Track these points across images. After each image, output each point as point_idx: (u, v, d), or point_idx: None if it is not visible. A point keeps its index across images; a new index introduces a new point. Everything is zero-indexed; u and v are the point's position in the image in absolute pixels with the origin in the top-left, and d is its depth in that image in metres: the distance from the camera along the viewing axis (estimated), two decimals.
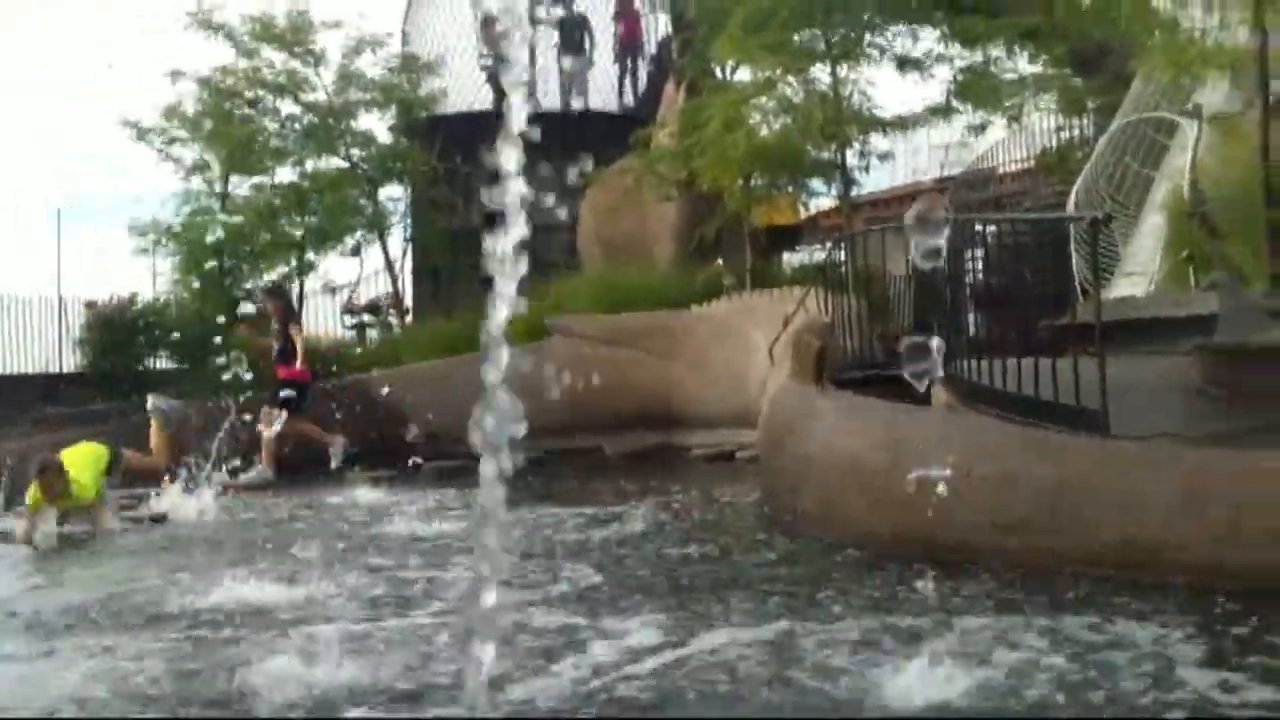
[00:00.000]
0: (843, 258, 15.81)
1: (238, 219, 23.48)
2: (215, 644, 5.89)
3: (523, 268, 2.14)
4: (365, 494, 12.52)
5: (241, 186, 24.50)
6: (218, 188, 24.27)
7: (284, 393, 15.19)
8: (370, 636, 5.91)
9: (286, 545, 8.68)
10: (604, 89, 25.83)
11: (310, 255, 24.46)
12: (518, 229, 2.09)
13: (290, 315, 16.19)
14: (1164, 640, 5.16)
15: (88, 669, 5.43)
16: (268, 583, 7.30)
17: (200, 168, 24.01)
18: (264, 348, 15.97)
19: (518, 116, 2.11)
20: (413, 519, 10.40)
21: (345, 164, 24.06)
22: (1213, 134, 14.46)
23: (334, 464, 14.73)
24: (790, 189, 20.85)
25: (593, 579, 7.38)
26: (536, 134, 2.15)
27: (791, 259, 25.39)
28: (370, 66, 24.12)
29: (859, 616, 5.97)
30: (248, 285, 23.06)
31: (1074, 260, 14.62)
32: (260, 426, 14.77)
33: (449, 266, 24.73)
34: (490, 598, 2.07)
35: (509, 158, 2.11)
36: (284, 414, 14.95)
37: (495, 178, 2.25)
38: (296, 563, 7.96)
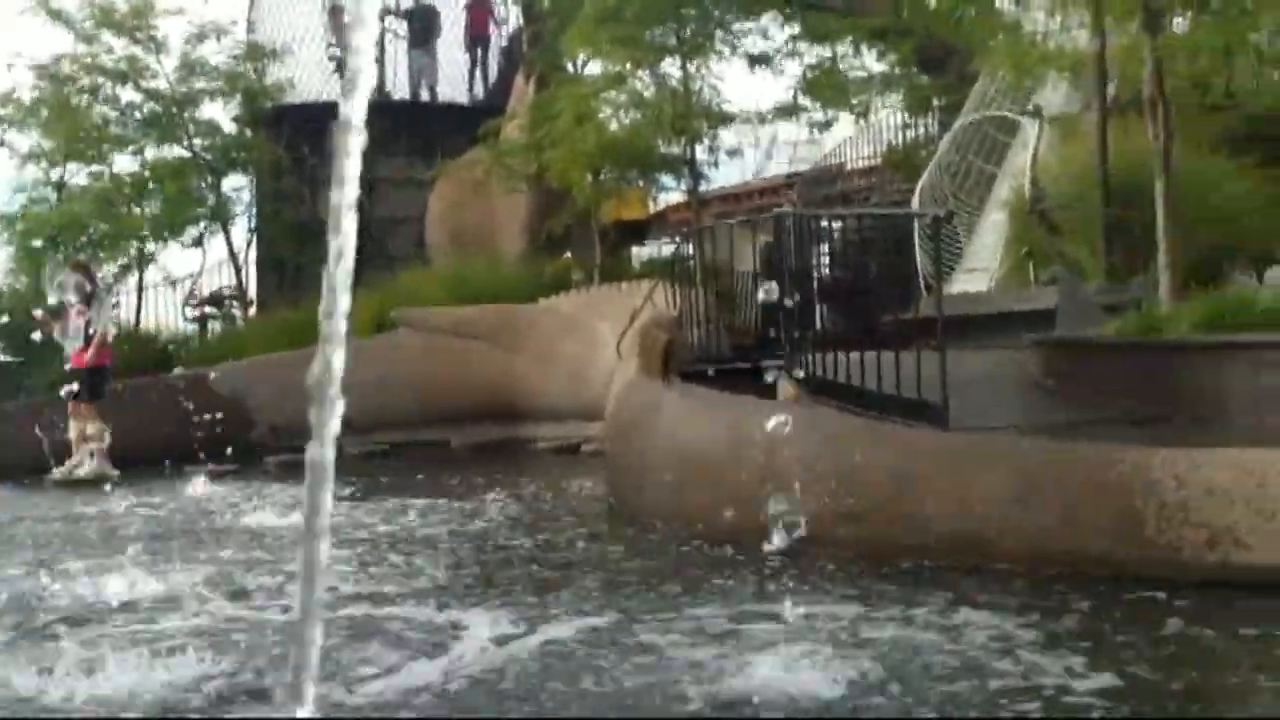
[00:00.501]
0: (691, 252, 15.84)
1: (74, 208, 22.92)
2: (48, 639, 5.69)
3: (350, 263, 2.04)
4: (210, 489, 12.25)
5: (79, 175, 23.92)
6: (54, 176, 23.67)
7: (68, 388, 14.46)
8: (219, 631, 5.76)
9: (132, 540, 8.41)
10: (454, 80, 25.61)
11: (151, 246, 23.93)
12: (350, 221, 1.99)
13: (86, 295, 15.27)
14: (1005, 626, 5.22)
15: None
16: (117, 577, 7.07)
17: (36, 155, 23.38)
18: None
19: (358, 106, 2.00)
20: (262, 512, 10.21)
21: (187, 153, 23.58)
22: (1053, 133, 14.75)
23: (58, 473, 14.17)
24: (640, 183, 20.86)
25: (440, 572, 7.29)
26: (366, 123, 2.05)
27: (640, 253, 25.42)
28: (214, 54, 23.66)
29: (705, 605, 5.96)
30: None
31: (918, 256, 14.81)
32: (77, 424, 14.30)
33: (295, 258, 24.36)
34: (316, 594, 1.97)
35: (347, 150, 2.00)
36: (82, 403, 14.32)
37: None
38: (146, 557, 7.73)
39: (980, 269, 15.94)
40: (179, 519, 10.34)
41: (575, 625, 5.64)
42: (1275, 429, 7.02)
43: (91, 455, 14.16)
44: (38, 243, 22.32)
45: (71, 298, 14.75)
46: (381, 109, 25.02)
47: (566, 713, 4.38)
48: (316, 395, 2.03)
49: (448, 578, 7.11)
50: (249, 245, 24.89)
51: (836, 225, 13.37)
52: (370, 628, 5.75)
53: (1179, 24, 11.93)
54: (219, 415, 14.59)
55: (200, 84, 23.53)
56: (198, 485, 12.25)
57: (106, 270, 23.40)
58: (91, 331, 14.50)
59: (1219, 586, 5.71)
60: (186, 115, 23.47)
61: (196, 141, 23.57)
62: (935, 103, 21.46)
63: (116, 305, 21.83)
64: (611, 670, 4.84)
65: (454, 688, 4.69)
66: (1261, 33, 11.46)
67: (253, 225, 25.03)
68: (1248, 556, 5.78)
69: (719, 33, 18.27)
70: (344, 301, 2.07)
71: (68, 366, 14.66)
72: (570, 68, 20.15)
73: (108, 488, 12.16)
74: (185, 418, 14.61)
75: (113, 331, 14.69)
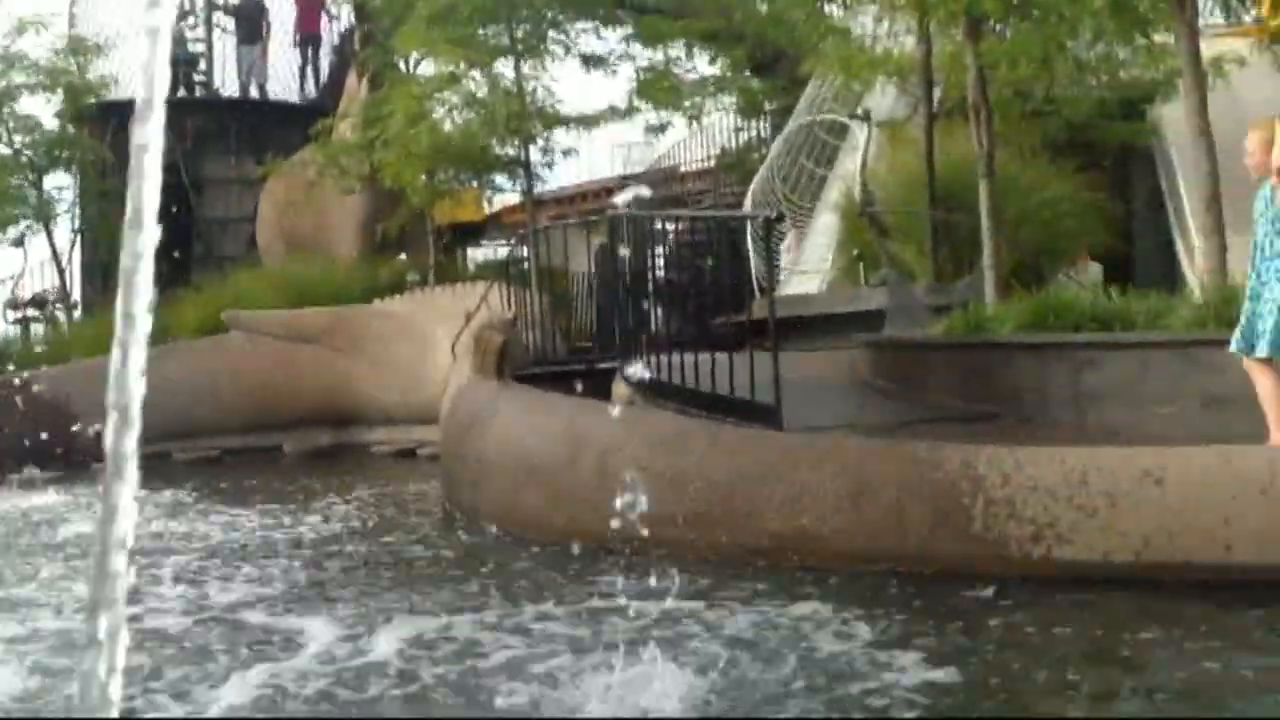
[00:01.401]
0: (526, 253, 15.82)
1: None
2: None
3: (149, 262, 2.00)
4: (37, 496, 11.92)
5: None
6: None
7: None
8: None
9: None
10: (284, 78, 25.23)
11: None
12: (151, 227, 1.95)
13: None
14: (839, 624, 5.30)
15: None
16: None
17: None
18: None
19: (157, 95, 1.96)
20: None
21: (7, 150, 22.92)
22: (881, 137, 14.99)
23: None
24: (474, 184, 20.78)
25: (274, 578, 7.20)
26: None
27: (475, 255, 25.33)
28: (34, 48, 23.01)
29: (541, 606, 5.98)
30: None
31: (751, 258, 14.96)
32: None
33: (119, 259, 23.82)
34: (111, 607, 1.93)
35: (145, 143, 1.96)
36: None
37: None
38: None
39: (812, 271, 16.14)
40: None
41: (415, 629, 5.61)
42: (1096, 427, 7.22)
43: None
44: None
45: None
46: (209, 106, 24.64)
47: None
48: (115, 400, 1.97)
49: (285, 585, 7.01)
50: (73, 246, 24.26)
51: (670, 227, 13.46)
52: (205, 635, 5.66)
53: (1003, 30, 12.22)
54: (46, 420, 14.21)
55: (19, 78, 22.86)
56: (29, 493, 11.93)
57: None
58: None
59: (1042, 581, 5.87)
60: (5, 110, 22.79)
61: (17, 138, 22.91)
62: (767, 106, 21.69)
63: None
64: (457, 675, 4.83)
65: (292, 695, 4.64)
66: (1079, 40, 11.78)
67: (76, 225, 24.40)
68: (1070, 551, 5.95)
69: (552, 33, 18.27)
70: (144, 299, 2.02)
71: None
72: (403, 67, 19.96)
73: None
74: (10, 422, 14.23)
75: None
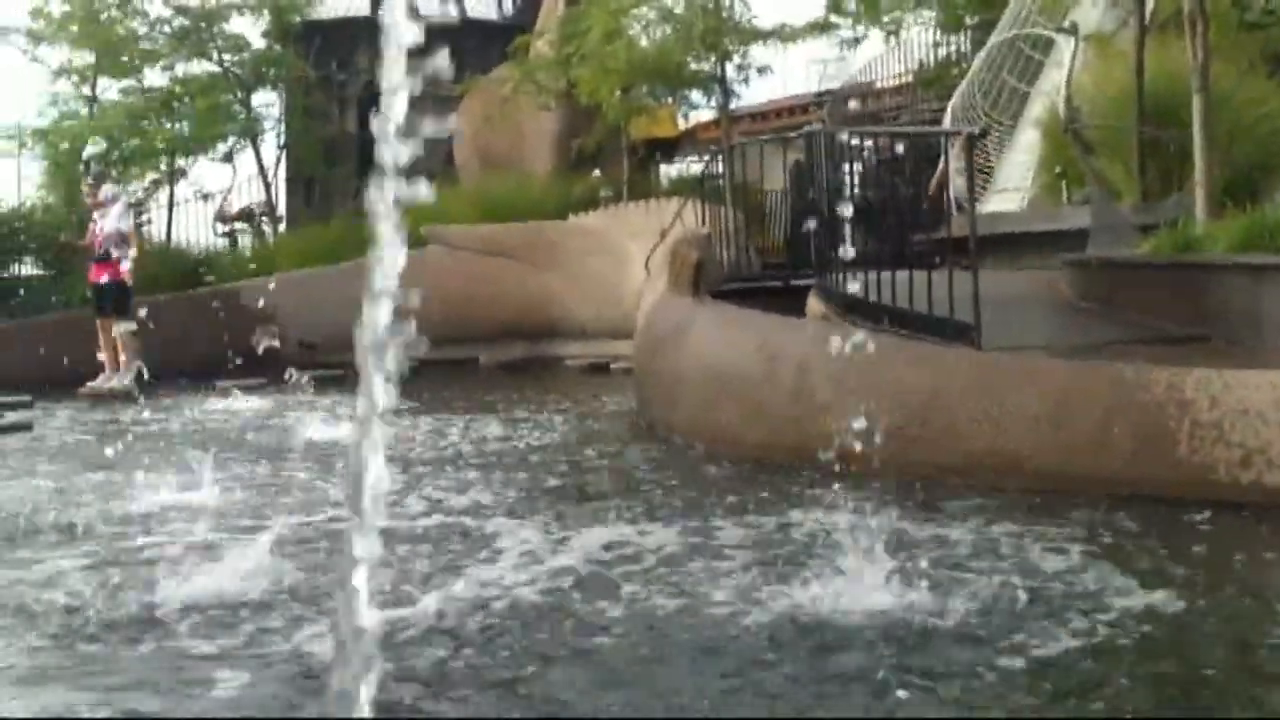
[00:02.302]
0: (720, 170, 15.78)
1: (105, 123, 22.92)
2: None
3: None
4: (244, 402, 12.28)
5: (110, 90, 23.89)
6: (85, 90, 23.64)
7: (110, 299, 14.38)
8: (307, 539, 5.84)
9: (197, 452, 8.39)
10: None
11: (181, 161, 23.95)
12: (402, 146, 1.98)
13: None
14: (1051, 543, 5.24)
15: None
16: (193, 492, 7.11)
17: (67, 70, 23.36)
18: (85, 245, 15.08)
19: (399, 26, 1.99)
20: (314, 425, 10.23)
21: (217, 68, 23.52)
22: (1089, 51, 14.57)
23: (112, 383, 14.12)
24: (669, 100, 20.75)
25: (480, 486, 7.33)
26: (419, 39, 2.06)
27: (669, 171, 25.33)
28: None
29: (744, 519, 6.01)
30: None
31: (950, 175, 14.71)
32: (113, 335, 14.29)
33: (324, 175, 24.36)
34: (371, 516, 1.98)
35: (392, 69, 1.99)
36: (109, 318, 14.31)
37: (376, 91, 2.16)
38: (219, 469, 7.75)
39: (1012, 189, 15.82)
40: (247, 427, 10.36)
41: (614, 536, 5.69)
42: None
43: (119, 370, 14.22)
44: (77, 166, 22.30)
45: (96, 213, 14.74)
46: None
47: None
48: (370, 304, 2.01)
49: (498, 493, 7.12)
50: (278, 161, 24.89)
51: (868, 144, 13.30)
52: (429, 539, 5.81)
53: None
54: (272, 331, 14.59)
55: None
56: (237, 399, 12.29)
57: (136, 185, 23.45)
58: (108, 245, 14.40)
59: (1250, 507, 5.71)
60: (215, 30, 23.36)
61: (226, 57, 23.49)
62: (968, 20, 21.24)
63: (144, 221, 21.88)
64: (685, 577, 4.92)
65: (520, 592, 4.73)
66: None
67: (282, 142, 25.00)
68: None
69: None
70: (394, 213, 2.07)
71: (92, 281, 14.66)
72: None
73: (139, 401, 12.20)
74: (217, 333, 14.66)
75: (132, 251, 14.53)
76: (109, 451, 8.69)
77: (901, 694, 3.54)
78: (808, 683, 3.71)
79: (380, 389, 1.98)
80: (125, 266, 14.28)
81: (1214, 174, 9.88)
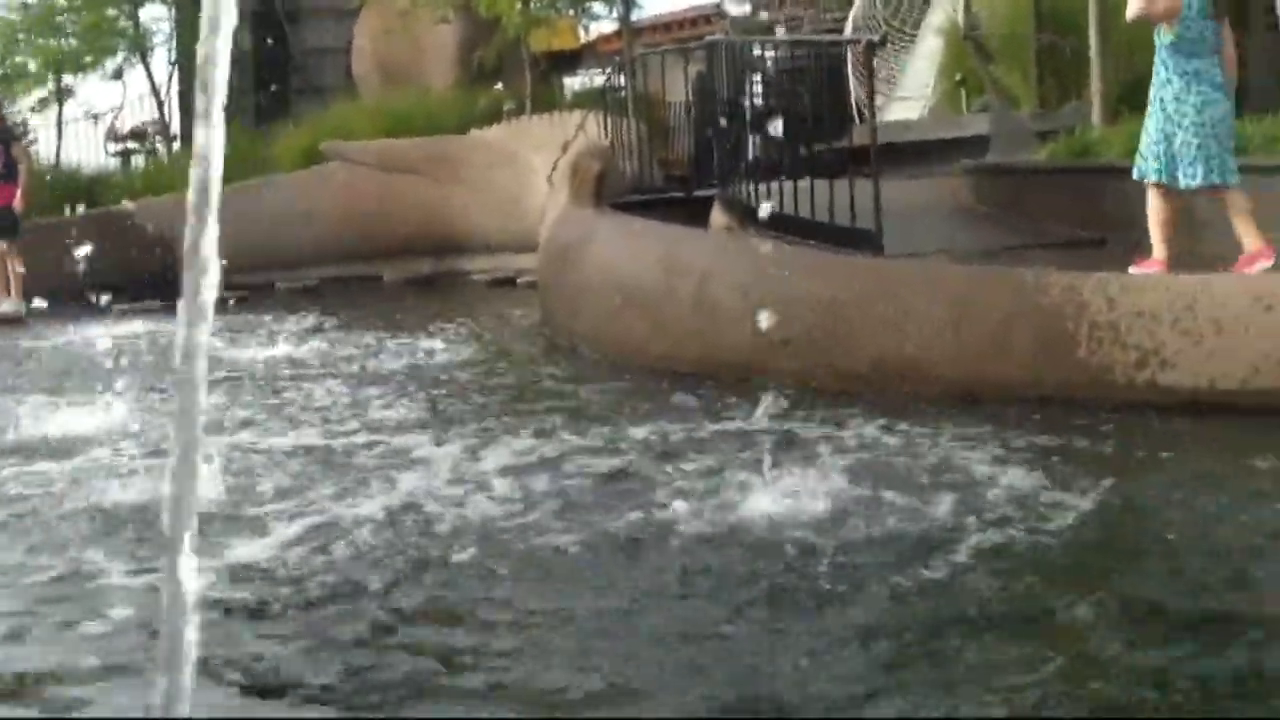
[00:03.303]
0: (622, 82, 15.68)
1: None
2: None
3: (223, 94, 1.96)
4: (145, 325, 12.04)
5: None
6: None
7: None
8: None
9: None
10: None
11: (68, 79, 23.36)
12: (225, 48, 1.90)
13: (6, 130, 14.88)
14: (958, 445, 5.33)
15: None
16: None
17: None
18: None
19: None
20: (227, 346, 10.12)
21: None
22: None
23: (3, 308, 13.72)
24: (570, 12, 20.54)
25: (391, 403, 7.33)
26: None
27: (572, 84, 25.11)
28: None
29: (666, 425, 6.07)
30: None
31: (850, 84, 14.72)
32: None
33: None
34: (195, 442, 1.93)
35: None
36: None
37: None
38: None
39: (913, 97, 15.86)
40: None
41: (521, 447, 5.70)
42: (1208, 253, 7.08)
43: (6, 294, 13.90)
44: None
45: None
46: None
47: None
48: (189, 239, 1.94)
49: (407, 411, 7.09)
50: (170, 78, 24.33)
51: (769, 54, 13.26)
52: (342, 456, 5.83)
53: None
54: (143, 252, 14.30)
55: None
56: (136, 323, 12.03)
57: (20, 105, 22.89)
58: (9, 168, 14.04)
59: (1146, 407, 5.81)
60: None
61: None
62: None
63: (33, 140, 21.38)
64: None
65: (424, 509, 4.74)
66: None
67: (173, 58, 24.44)
68: (1175, 377, 5.87)
69: None
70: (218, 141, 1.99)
71: None
72: None
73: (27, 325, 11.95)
74: (111, 256, 14.31)
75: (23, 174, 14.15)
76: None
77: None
78: (721, 576, 3.79)
79: (198, 318, 1.91)
80: (16, 190, 13.95)
81: (1110, 81, 9.97)
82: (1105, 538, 4.21)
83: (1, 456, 6.11)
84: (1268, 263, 6.47)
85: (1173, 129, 6.81)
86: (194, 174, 1.94)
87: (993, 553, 3.94)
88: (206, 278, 1.90)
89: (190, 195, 1.94)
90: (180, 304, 1.94)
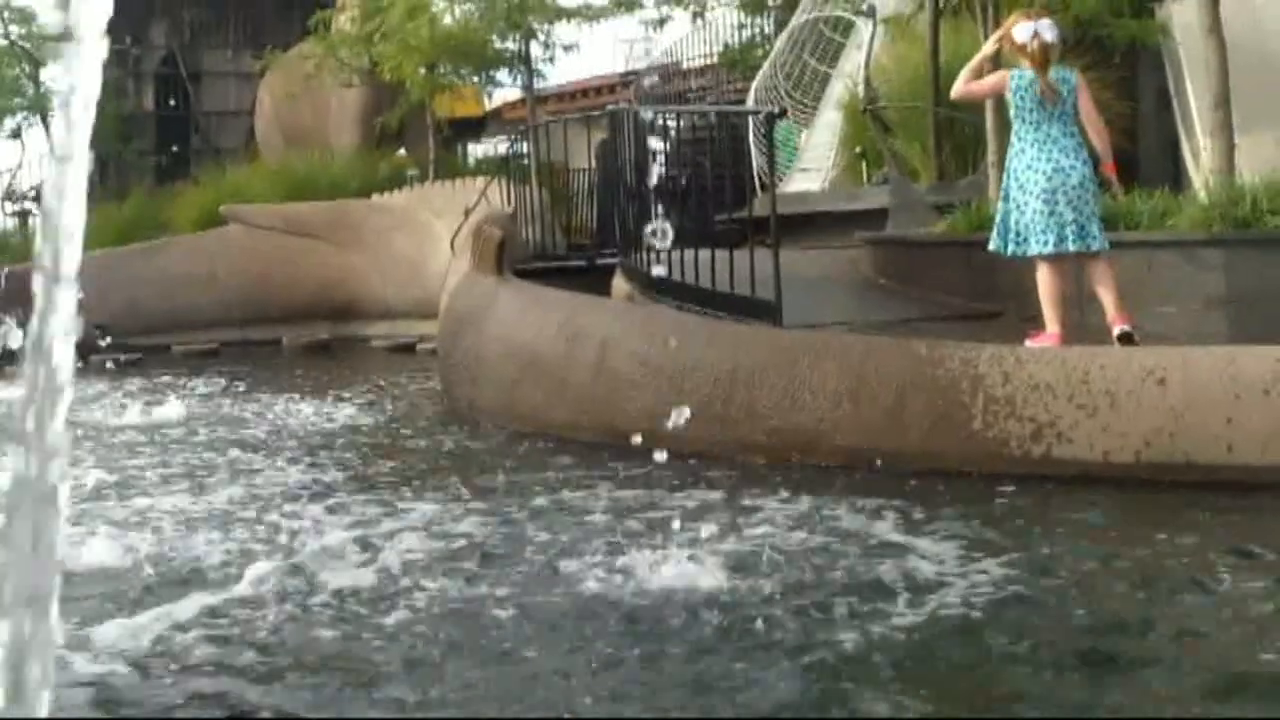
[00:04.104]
0: (526, 149, 15.70)
1: None
2: None
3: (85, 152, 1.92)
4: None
5: None
6: None
7: None
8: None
9: None
10: None
11: None
12: (87, 109, 1.87)
13: None
14: (854, 518, 5.33)
15: None
16: None
17: None
18: None
19: None
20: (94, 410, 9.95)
21: (4, 41, 22.71)
22: (886, 34, 14.79)
23: None
24: (474, 79, 20.59)
25: (289, 470, 7.22)
26: None
27: (475, 150, 25.15)
28: None
29: (547, 498, 6.01)
30: None
31: (752, 154, 14.83)
32: None
33: (119, 152, 23.71)
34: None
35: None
36: None
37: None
38: None
39: (814, 169, 16.01)
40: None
41: (435, 515, 5.65)
42: (1099, 327, 7.17)
43: None
44: None
45: None
46: None
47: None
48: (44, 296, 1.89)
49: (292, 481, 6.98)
50: None
51: (672, 123, 13.33)
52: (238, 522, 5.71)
53: None
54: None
55: None
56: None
57: None
58: None
59: (1042, 479, 5.85)
60: (1, 2, 22.58)
61: (13, 29, 22.69)
62: (771, 2, 21.43)
63: None
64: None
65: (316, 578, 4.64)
66: None
67: None
68: (1071, 450, 5.92)
69: None
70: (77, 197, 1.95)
71: None
72: None
73: None
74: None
75: None
76: None
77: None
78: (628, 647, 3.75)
79: (55, 390, 1.85)
80: None
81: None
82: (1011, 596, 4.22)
83: None
84: (1053, 344, 6.65)
85: (1024, 197, 6.92)
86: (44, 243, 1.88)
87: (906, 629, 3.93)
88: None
89: (43, 260, 1.89)
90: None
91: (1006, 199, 7.04)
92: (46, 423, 1.83)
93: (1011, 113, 7.04)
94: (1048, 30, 6.99)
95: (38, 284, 1.88)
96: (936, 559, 4.62)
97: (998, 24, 10.24)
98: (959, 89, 7.33)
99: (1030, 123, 6.92)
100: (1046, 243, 6.86)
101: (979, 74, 7.25)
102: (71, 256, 1.87)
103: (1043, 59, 6.93)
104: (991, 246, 7.17)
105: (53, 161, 1.88)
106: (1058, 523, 5.27)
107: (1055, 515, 5.39)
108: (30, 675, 1.81)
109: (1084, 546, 4.83)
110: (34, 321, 1.87)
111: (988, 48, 7.37)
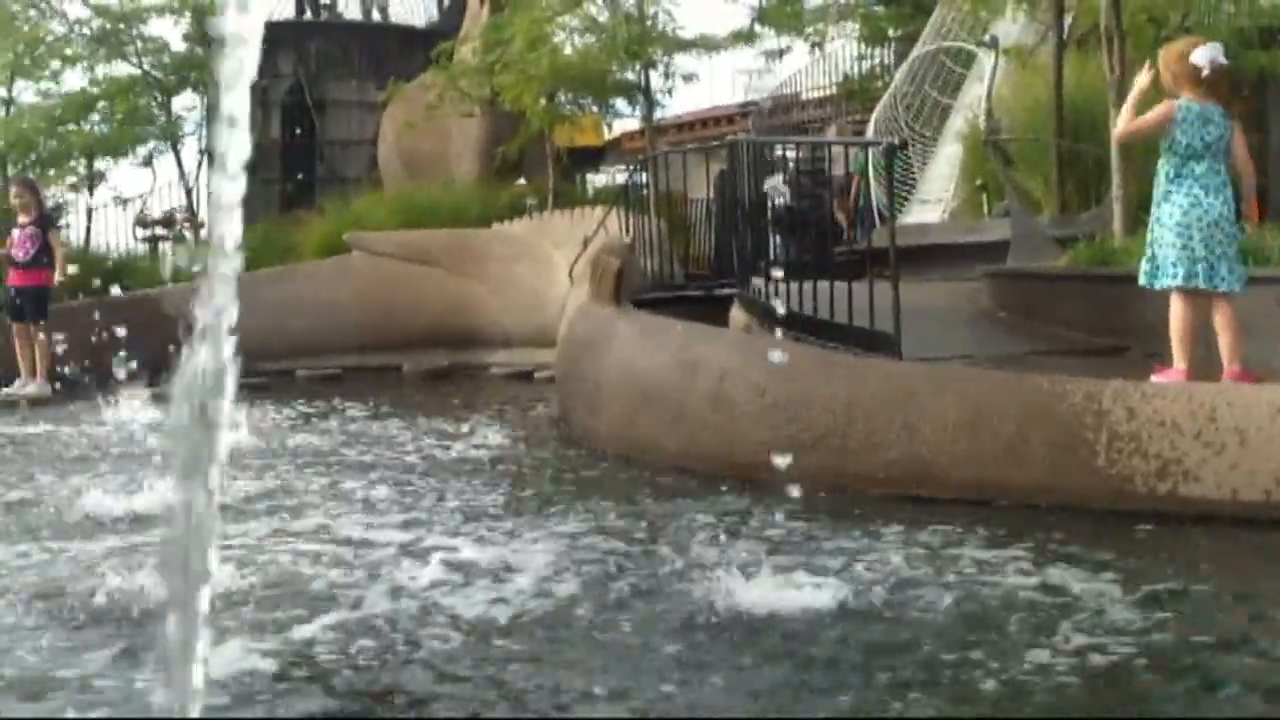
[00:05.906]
0: (645, 179, 15.78)
1: (22, 125, 22.61)
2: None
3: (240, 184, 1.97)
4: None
5: (26, 92, 23.57)
6: (2, 93, 23.31)
7: (32, 304, 14.07)
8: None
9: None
10: (407, 1, 25.33)
11: (99, 165, 23.66)
12: (243, 142, 1.92)
13: (45, 217, 14.94)
14: (974, 552, 5.29)
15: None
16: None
17: None
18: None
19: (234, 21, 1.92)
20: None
21: (136, 71, 23.25)
22: (1009, 65, 14.70)
23: (29, 389, 13.76)
24: (594, 109, 20.74)
25: (392, 497, 7.26)
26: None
27: (594, 179, 25.31)
28: None
29: (683, 528, 6.03)
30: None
31: (871, 186, 14.79)
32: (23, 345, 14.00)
33: (247, 179, 24.13)
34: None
35: (235, 51, 1.93)
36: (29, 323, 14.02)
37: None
38: None
39: (934, 200, 15.94)
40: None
41: (564, 550, 5.66)
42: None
43: (34, 375, 13.95)
44: None
45: (22, 217, 14.42)
46: (332, 29, 24.80)
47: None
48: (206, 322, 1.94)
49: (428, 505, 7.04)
50: (199, 166, 24.62)
51: (791, 154, 13.34)
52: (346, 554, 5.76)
53: None
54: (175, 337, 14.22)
55: (147, 0, 23.17)
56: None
57: (55, 189, 23.17)
58: (31, 250, 14.10)
59: (1167, 518, 5.75)
60: (134, 32, 23.11)
61: (145, 59, 23.23)
62: (891, 33, 21.39)
63: (66, 225, 21.57)
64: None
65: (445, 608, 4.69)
66: None
67: (203, 146, 24.74)
68: (1198, 489, 5.82)
69: None
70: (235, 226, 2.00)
71: (11, 286, 14.36)
72: None
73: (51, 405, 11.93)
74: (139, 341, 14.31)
75: (60, 258, 14.27)
76: None
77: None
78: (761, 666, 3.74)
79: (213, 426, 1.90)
80: (52, 273, 14.05)
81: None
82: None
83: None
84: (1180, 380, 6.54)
85: (1160, 230, 6.82)
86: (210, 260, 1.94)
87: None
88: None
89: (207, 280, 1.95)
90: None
91: (1151, 230, 6.94)
92: (212, 448, 1.89)
93: (1164, 143, 6.87)
94: (1220, 54, 6.84)
95: (200, 312, 1.93)
96: (1081, 594, 4.57)
97: (1122, 54, 10.15)
98: (1123, 129, 7.13)
99: (1180, 155, 6.78)
100: (1176, 275, 6.75)
101: (1139, 110, 7.06)
102: (229, 284, 1.93)
103: (1217, 84, 6.81)
104: (1141, 280, 7.05)
105: (213, 207, 1.93)
106: (1201, 559, 5.21)
107: (1199, 553, 5.32)
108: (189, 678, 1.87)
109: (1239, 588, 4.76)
110: (195, 346, 1.93)
111: (1143, 80, 7.13)
